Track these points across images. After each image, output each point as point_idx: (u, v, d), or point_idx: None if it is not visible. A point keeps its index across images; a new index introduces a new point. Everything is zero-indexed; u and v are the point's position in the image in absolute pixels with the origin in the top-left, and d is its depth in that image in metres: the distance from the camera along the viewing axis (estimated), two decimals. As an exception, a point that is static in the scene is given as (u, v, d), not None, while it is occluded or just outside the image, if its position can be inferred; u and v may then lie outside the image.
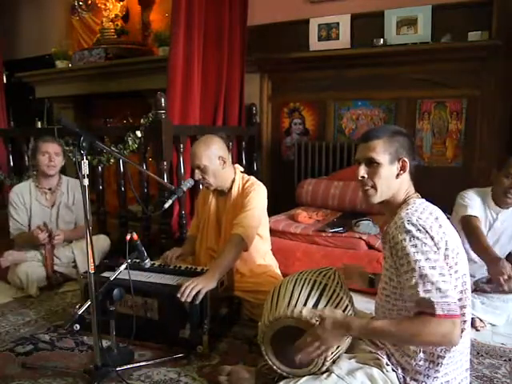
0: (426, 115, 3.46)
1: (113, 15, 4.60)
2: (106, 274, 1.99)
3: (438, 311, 1.14)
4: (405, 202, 1.34)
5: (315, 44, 3.71)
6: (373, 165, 1.33)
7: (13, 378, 1.68)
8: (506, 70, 3.14)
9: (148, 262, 1.79)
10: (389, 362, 1.31)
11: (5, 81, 4.86)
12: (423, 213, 1.27)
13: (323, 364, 1.33)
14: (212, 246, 2.29)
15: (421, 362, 1.28)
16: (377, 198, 1.36)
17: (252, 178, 2.27)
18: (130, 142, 2.94)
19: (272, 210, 2.69)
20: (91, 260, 1.57)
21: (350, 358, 1.34)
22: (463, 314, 1.28)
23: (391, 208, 1.38)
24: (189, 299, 1.77)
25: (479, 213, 2.23)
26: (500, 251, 2.27)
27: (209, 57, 3.39)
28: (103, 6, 4.61)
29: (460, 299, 1.27)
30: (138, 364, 1.76)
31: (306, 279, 1.48)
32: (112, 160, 3.12)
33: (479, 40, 3.11)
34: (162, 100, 2.81)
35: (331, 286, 1.46)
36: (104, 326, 1.67)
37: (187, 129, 3.14)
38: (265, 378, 1.55)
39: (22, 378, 1.69)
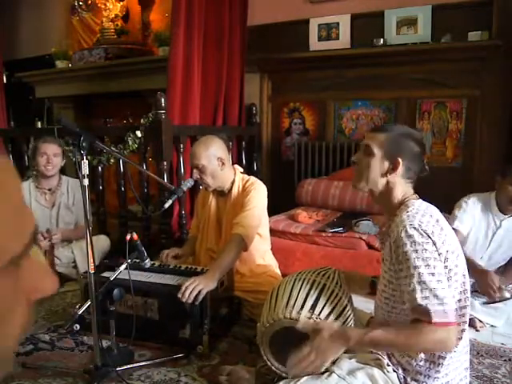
0: (425, 115, 3.46)
1: (113, 15, 4.59)
2: (106, 274, 1.99)
3: (434, 319, 1.15)
4: (403, 203, 1.34)
5: (315, 44, 3.71)
6: (367, 153, 1.37)
7: (13, 378, 1.68)
8: (506, 70, 3.14)
9: (148, 262, 1.79)
10: (389, 363, 1.31)
11: (5, 81, 4.84)
12: (424, 216, 1.27)
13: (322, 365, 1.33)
14: (212, 247, 2.29)
15: (421, 363, 1.28)
16: (362, 184, 1.38)
17: (252, 177, 2.27)
18: (130, 142, 2.94)
19: (272, 210, 2.68)
20: (91, 260, 1.57)
21: (350, 358, 1.34)
22: (463, 315, 1.28)
23: (389, 209, 1.38)
24: (189, 300, 1.77)
25: (468, 226, 2.23)
26: (500, 258, 2.27)
27: (209, 57, 3.39)
28: (103, 6, 4.60)
29: (459, 300, 1.27)
30: (137, 364, 1.76)
31: (304, 279, 1.48)
32: (112, 160, 3.11)
33: (479, 40, 3.11)
34: (162, 100, 2.80)
35: (330, 285, 1.46)
36: (104, 326, 1.67)
37: (187, 129, 3.13)
38: (264, 379, 1.55)
39: (21, 378, 1.69)
